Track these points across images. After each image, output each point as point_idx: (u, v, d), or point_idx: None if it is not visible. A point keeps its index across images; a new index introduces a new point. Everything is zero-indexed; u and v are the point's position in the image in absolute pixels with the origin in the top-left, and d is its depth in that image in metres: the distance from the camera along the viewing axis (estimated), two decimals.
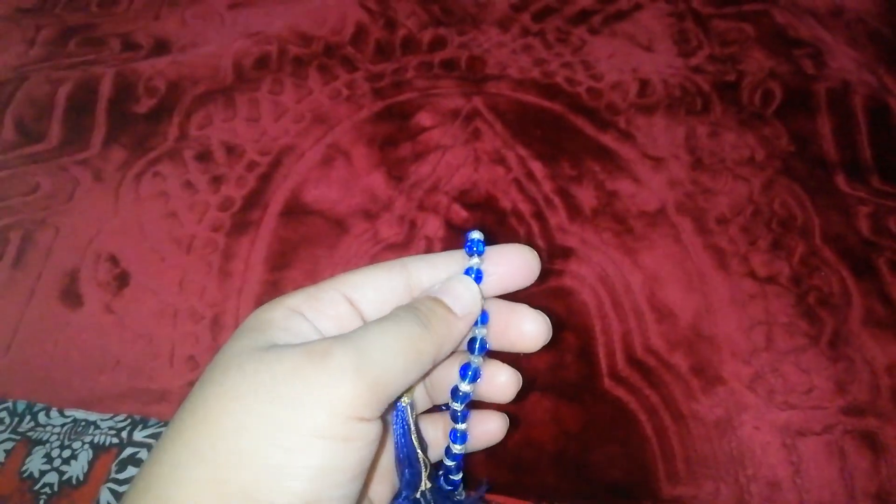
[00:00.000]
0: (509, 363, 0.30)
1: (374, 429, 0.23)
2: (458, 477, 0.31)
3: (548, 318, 0.28)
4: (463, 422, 0.29)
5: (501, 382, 0.29)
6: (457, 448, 0.30)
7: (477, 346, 0.28)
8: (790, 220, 0.51)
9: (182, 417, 0.23)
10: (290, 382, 0.22)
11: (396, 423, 0.28)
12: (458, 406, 0.28)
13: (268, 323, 0.25)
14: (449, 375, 0.29)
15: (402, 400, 0.28)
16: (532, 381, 0.43)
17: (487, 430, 0.31)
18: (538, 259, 0.29)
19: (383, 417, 0.24)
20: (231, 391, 0.22)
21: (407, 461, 0.28)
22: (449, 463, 0.30)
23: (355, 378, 0.22)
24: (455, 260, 0.28)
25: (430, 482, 0.29)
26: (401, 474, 0.28)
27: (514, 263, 0.28)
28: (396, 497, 0.29)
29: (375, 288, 0.27)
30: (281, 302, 0.26)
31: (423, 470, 0.28)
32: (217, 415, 0.22)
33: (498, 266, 0.28)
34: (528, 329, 0.28)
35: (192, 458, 0.22)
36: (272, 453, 0.21)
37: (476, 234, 0.28)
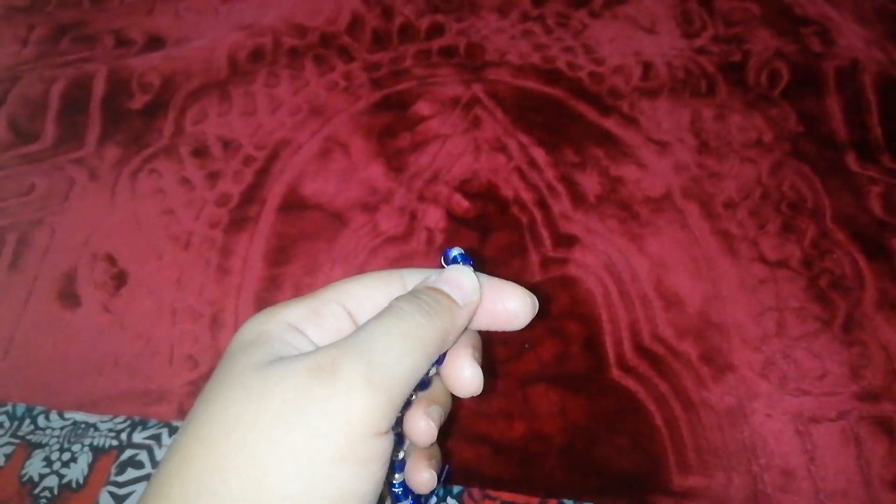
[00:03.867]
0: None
1: (389, 443, 0.22)
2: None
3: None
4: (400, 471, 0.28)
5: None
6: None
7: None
8: (800, 202, 0.49)
9: (187, 444, 0.21)
10: (301, 405, 0.21)
11: None
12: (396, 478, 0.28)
13: (266, 335, 0.23)
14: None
15: None
16: (537, 373, 0.43)
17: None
18: (535, 307, 0.27)
19: (393, 429, 0.23)
20: (238, 417, 0.21)
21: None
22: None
23: (368, 391, 0.21)
24: None
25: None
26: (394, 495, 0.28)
27: (508, 304, 0.27)
28: None
29: (374, 300, 0.26)
30: (277, 314, 0.24)
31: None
32: (226, 445, 0.21)
33: (494, 303, 0.27)
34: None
35: (204, 494, 0.20)
36: (292, 485, 0.20)
37: (456, 251, 0.27)
